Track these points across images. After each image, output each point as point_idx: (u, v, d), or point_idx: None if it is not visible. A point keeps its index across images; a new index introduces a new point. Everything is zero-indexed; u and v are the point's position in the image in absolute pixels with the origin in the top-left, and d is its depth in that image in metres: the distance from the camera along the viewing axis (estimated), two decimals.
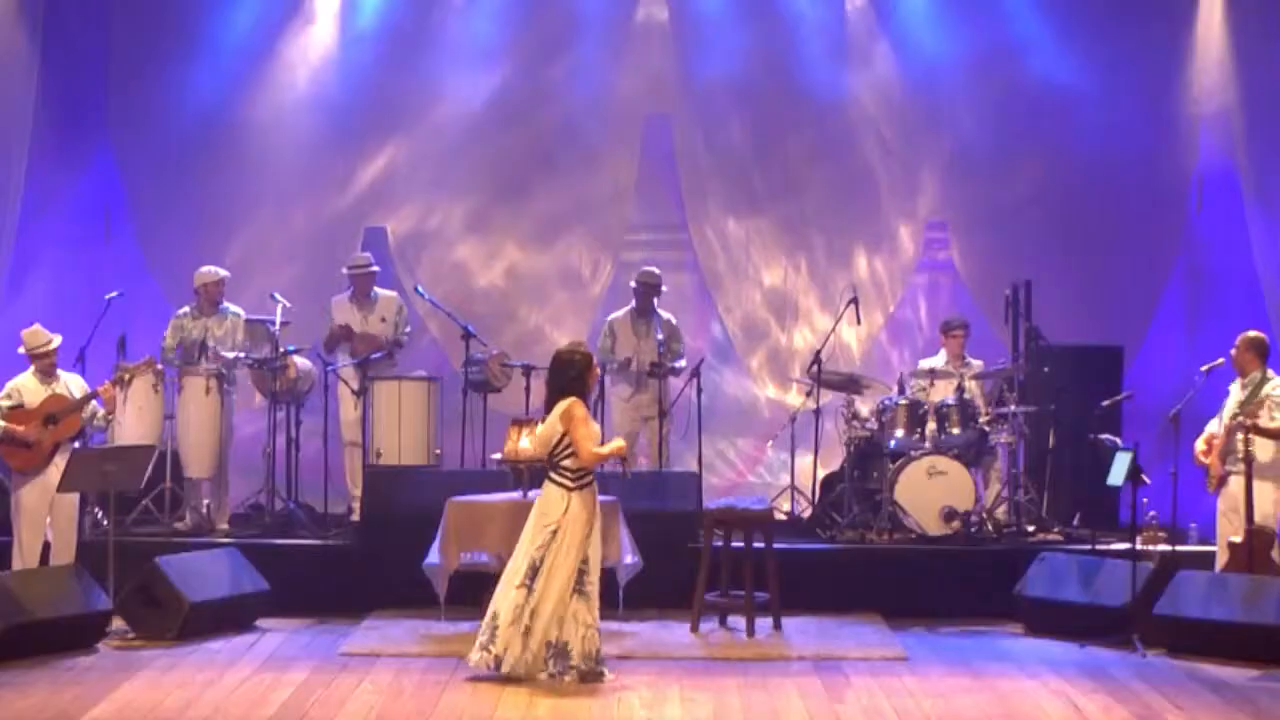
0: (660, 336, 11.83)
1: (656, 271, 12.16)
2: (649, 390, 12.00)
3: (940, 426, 11.45)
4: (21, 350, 10.30)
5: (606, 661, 8.91)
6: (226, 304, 11.74)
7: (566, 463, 8.81)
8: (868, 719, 8.20)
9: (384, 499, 11.03)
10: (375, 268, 12.13)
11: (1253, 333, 10.42)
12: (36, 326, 10.32)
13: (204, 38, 12.79)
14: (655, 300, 12.09)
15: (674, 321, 12.19)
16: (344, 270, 12.14)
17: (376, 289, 12.09)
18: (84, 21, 12.68)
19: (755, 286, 13.14)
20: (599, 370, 9.05)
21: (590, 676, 8.72)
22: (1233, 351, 10.37)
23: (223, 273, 11.77)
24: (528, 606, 8.68)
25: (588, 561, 8.82)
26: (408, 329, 12.16)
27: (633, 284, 12.18)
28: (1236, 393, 10.32)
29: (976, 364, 12.07)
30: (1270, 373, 10.30)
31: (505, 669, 8.69)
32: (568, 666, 8.70)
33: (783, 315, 13.12)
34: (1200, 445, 10.39)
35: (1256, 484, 9.93)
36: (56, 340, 10.36)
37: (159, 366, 11.10)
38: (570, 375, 8.91)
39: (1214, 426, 10.37)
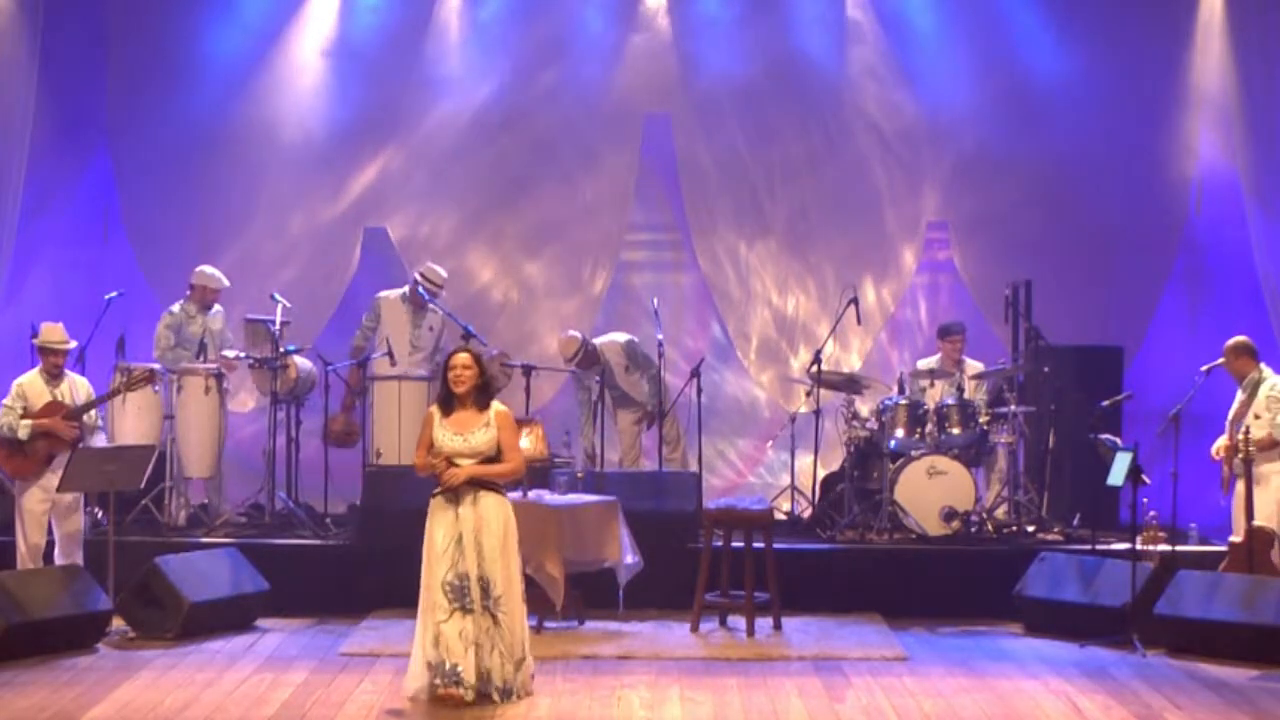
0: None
1: (566, 339, 12.07)
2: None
3: (940, 426, 11.45)
4: (36, 341, 10.29)
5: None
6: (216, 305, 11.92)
7: None
8: (868, 719, 8.21)
9: (384, 499, 11.03)
10: (442, 293, 12.09)
11: (1236, 338, 10.46)
12: (59, 324, 10.32)
13: (202, 39, 12.79)
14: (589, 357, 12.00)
15: (627, 344, 12.12)
16: (416, 273, 12.09)
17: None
18: (83, 24, 12.68)
19: (762, 302, 13.09)
20: (452, 372, 8.34)
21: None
22: (1220, 360, 10.40)
23: (226, 282, 11.86)
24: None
25: (465, 577, 8.23)
26: (446, 349, 12.15)
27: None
28: (1240, 394, 10.36)
29: (975, 365, 12.07)
30: (1266, 370, 10.33)
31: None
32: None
33: (786, 329, 13.10)
34: (1219, 443, 10.41)
35: (1257, 491, 9.96)
36: (72, 344, 10.39)
37: (157, 386, 11.10)
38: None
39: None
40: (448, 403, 8.38)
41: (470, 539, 8.25)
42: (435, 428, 8.37)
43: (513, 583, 8.33)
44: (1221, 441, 10.39)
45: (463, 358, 8.40)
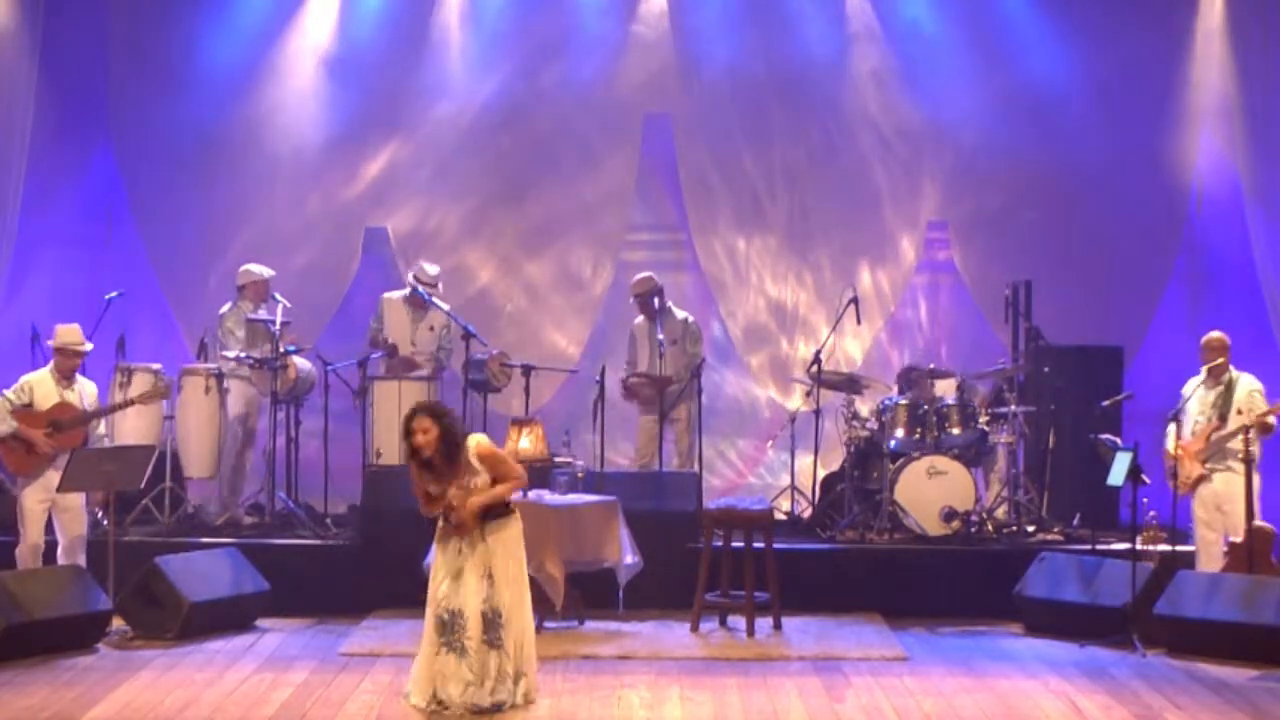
0: (663, 338, 11.76)
1: (642, 277, 12.11)
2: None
3: (940, 426, 11.45)
4: (51, 343, 10.26)
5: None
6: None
7: None
8: (868, 719, 8.21)
9: (384, 499, 11.03)
10: (439, 290, 12.08)
11: (1220, 333, 10.44)
12: (75, 325, 10.31)
13: (203, 40, 12.79)
14: (655, 304, 12.05)
15: (690, 321, 12.14)
16: (410, 276, 12.11)
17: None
18: (83, 22, 12.68)
19: (758, 293, 13.11)
20: (413, 438, 8.03)
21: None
22: (1220, 360, 10.36)
23: (271, 271, 11.93)
24: None
25: (457, 614, 8.07)
26: (450, 348, 12.15)
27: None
28: (1202, 393, 10.36)
29: (945, 383, 12.05)
30: (1234, 370, 10.36)
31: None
32: None
33: (784, 320, 13.11)
34: (1170, 447, 10.41)
35: (1234, 477, 9.96)
36: (89, 347, 10.37)
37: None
38: None
39: (1175, 430, 10.43)
40: (423, 463, 8.08)
41: (477, 572, 8.08)
42: (428, 483, 8.10)
43: (522, 602, 8.20)
44: (1179, 442, 10.37)
45: (421, 421, 7.99)
